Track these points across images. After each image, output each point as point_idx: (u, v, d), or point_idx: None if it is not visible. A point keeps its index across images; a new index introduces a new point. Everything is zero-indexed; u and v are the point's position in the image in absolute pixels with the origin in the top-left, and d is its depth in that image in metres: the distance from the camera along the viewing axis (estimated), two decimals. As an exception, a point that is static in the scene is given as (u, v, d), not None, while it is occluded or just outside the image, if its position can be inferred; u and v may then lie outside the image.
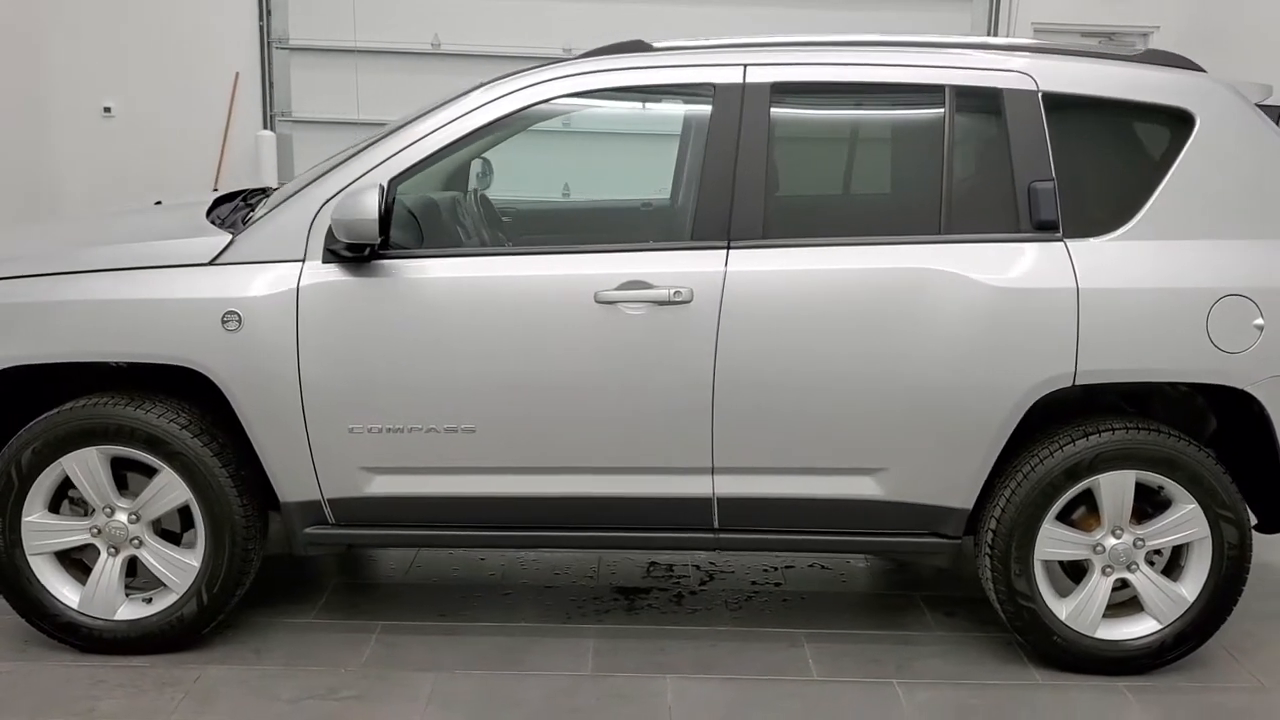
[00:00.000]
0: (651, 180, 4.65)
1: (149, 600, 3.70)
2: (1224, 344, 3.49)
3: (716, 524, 3.65)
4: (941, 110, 3.59)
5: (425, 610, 4.10)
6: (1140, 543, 3.64)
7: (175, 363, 3.50)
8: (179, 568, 3.65)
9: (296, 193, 3.62)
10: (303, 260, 3.51)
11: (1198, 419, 3.90)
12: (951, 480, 3.58)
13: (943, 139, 3.58)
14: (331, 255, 3.49)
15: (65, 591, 3.68)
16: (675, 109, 4.19)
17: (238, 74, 11.19)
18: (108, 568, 3.66)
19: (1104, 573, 3.67)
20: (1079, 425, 3.59)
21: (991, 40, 3.87)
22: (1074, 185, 3.57)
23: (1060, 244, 3.52)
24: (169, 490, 3.59)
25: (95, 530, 3.64)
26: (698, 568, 4.54)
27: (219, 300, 3.47)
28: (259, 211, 3.77)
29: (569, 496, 3.61)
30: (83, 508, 3.68)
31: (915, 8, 10.85)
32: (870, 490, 3.59)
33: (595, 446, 3.56)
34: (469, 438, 3.55)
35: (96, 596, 3.66)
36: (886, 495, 3.59)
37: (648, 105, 3.96)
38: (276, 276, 3.50)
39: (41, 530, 3.63)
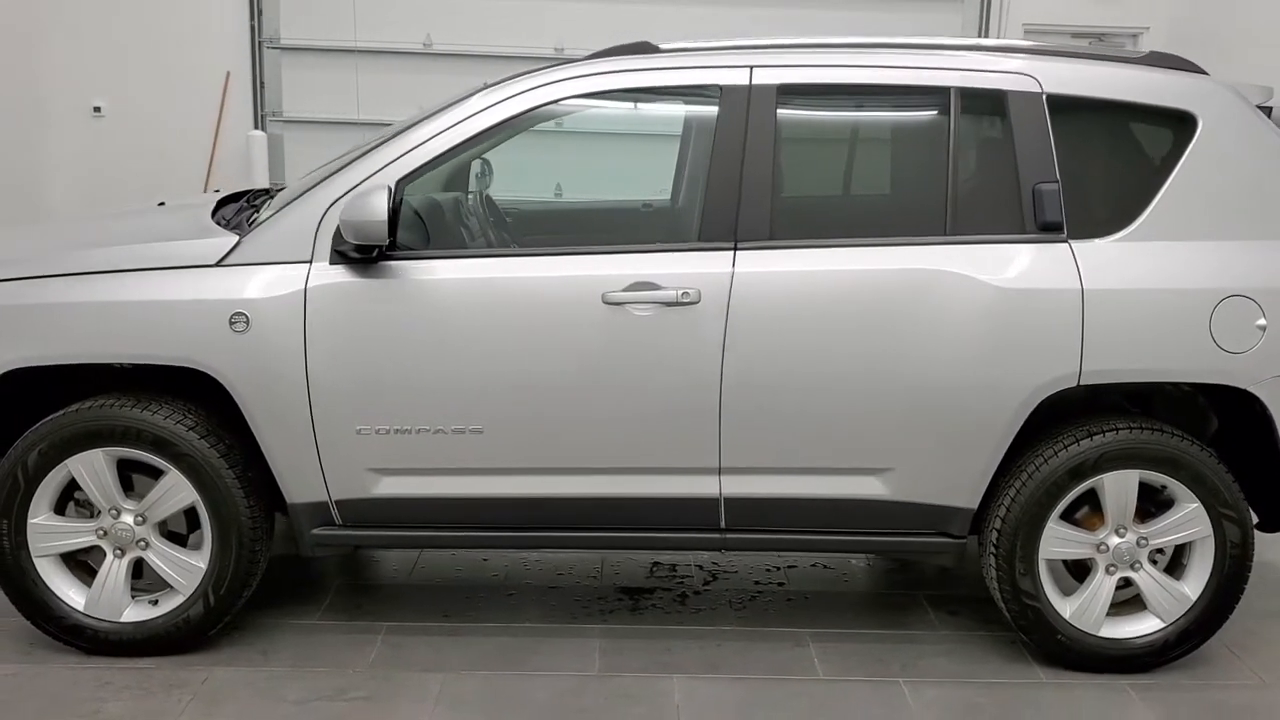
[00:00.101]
0: (657, 181, 4.66)
1: (155, 602, 3.70)
2: (1227, 344, 3.52)
3: (723, 524, 3.66)
4: (946, 112, 3.61)
5: (430, 611, 4.10)
6: (1143, 542, 3.67)
7: (183, 364, 3.49)
8: (185, 569, 3.64)
9: (303, 194, 3.62)
10: (310, 261, 3.51)
11: (1199, 418, 3.92)
12: (957, 480, 3.60)
13: (948, 141, 3.60)
14: (339, 256, 3.49)
15: (71, 594, 3.67)
16: (682, 110, 4.20)
17: (228, 73, 11.15)
18: (114, 570, 3.65)
19: (1108, 571, 3.69)
20: (1083, 425, 3.62)
21: (996, 42, 3.89)
22: (1078, 186, 3.59)
23: (1065, 245, 3.54)
24: (175, 492, 3.59)
25: (101, 532, 3.64)
26: (701, 568, 4.55)
27: (226, 302, 3.46)
28: (264, 212, 3.77)
29: (576, 497, 3.62)
30: (88, 509, 3.68)
31: (907, 8, 10.88)
32: (876, 490, 3.61)
33: (602, 447, 3.57)
34: (476, 439, 3.55)
35: (102, 598, 3.65)
36: (893, 495, 3.61)
37: (654, 106, 3.97)
38: (284, 278, 3.49)
39: (47, 532, 3.62)
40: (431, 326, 3.49)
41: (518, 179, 4.76)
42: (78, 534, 3.65)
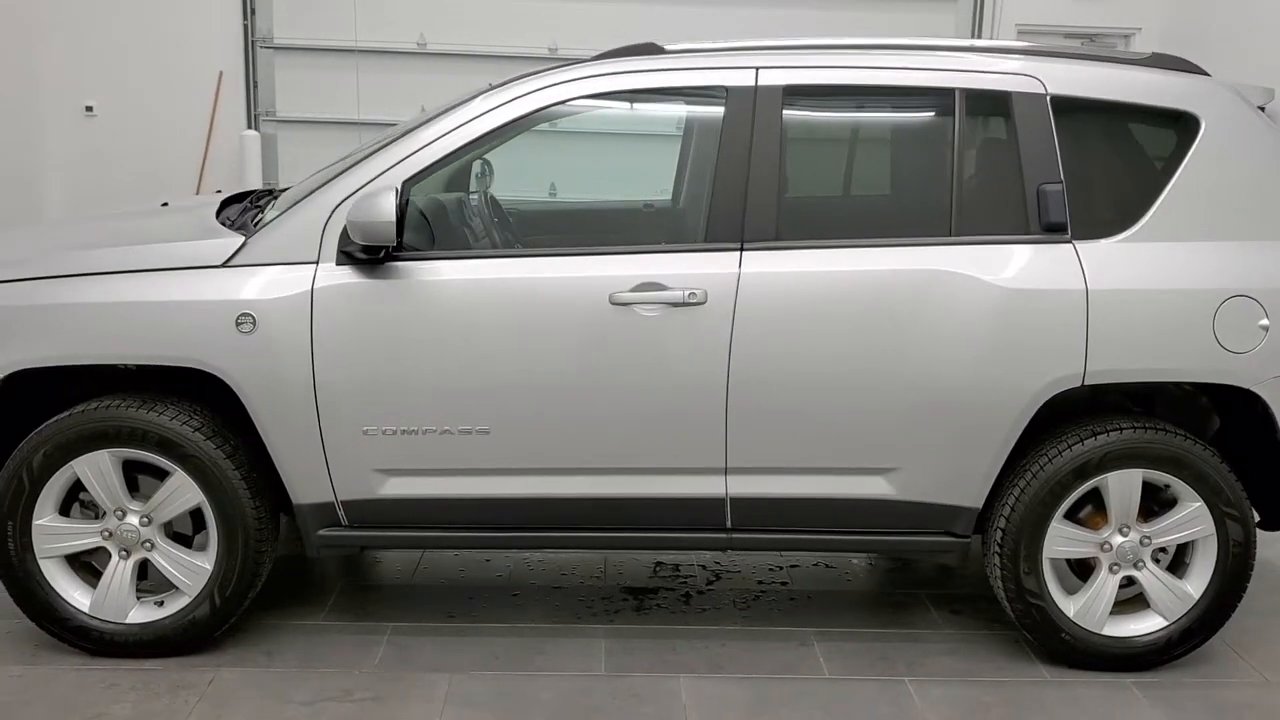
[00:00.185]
0: (664, 182, 4.67)
1: (160, 603, 3.69)
2: (1230, 344, 3.54)
3: (730, 524, 3.67)
4: (951, 113, 3.62)
5: (434, 611, 4.10)
6: (1147, 540, 3.69)
7: (189, 365, 3.49)
8: (191, 570, 3.64)
9: (309, 195, 3.62)
10: (316, 262, 3.51)
11: (1201, 418, 3.94)
12: (962, 479, 3.62)
13: (952, 142, 3.61)
14: (346, 257, 3.49)
15: (76, 595, 3.66)
16: (688, 111, 4.20)
17: (221, 73, 11.14)
18: (119, 571, 3.64)
19: (1111, 570, 3.71)
20: (1087, 425, 3.64)
21: (1000, 43, 3.90)
22: (1082, 187, 3.61)
23: (1069, 245, 3.56)
24: (181, 493, 3.58)
25: (106, 533, 3.63)
26: (704, 567, 4.56)
27: (233, 303, 3.46)
28: (270, 213, 3.77)
29: (582, 497, 3.63)
30: (94, 511, 3.67)
31: (899, 9, 10.93)
32: (882, 490, 3.62)
33: (609, 447, 3.57)
34: (483, 439, 3.55)
35: (108, 600, 3.64)
36: (898, 494, 3.62)
37: (661, 107, 3.97)
38: (290, 278, 3.49)
39: (52, 533, 3.61)
40: (438, 327, 3.49)
41: (522, 179, 4.76)
42: (83, 535, 3.64)
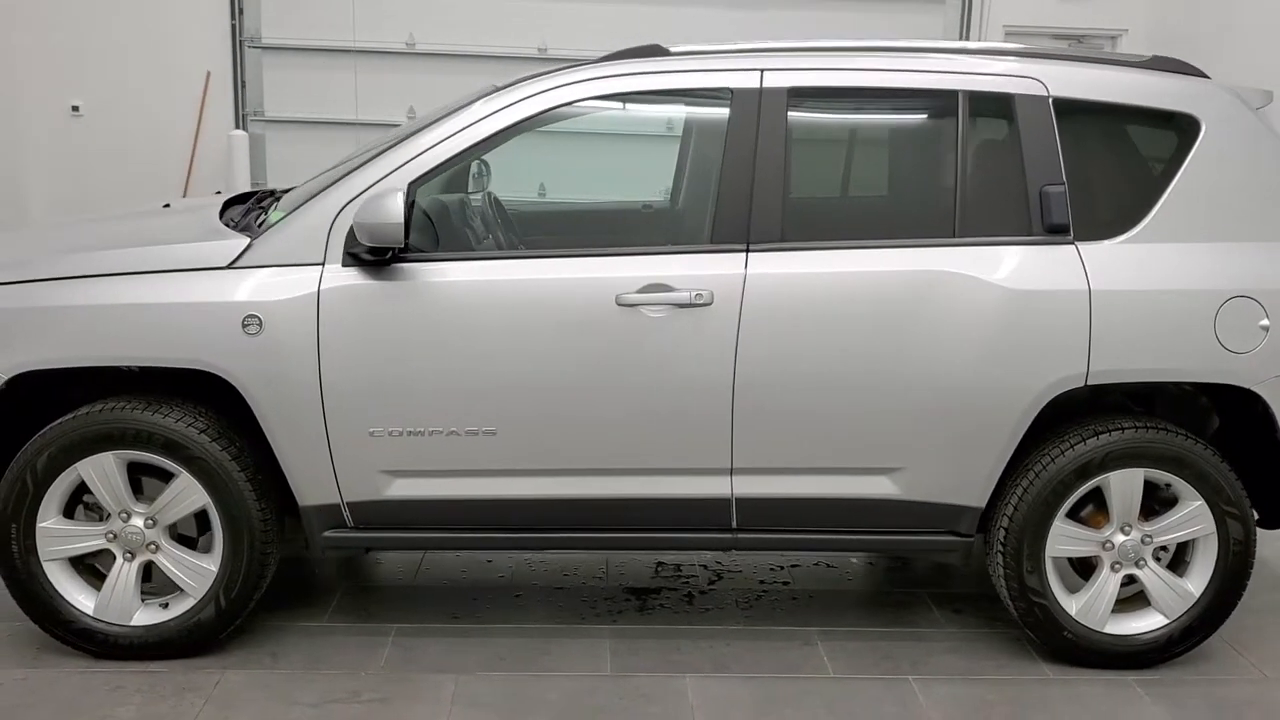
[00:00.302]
0: (655, 182, 4.68)
1: (165, 605, 3.68)
2: (1231, 344, 3.57)
3: (735, 524, 3.69)
4: (955, 115, 3.64)
5: (437, 612, 4.10)
6: (1148, 539, 3.72)
7: (195, 367, 3.48)
8: (197, 572, 3.63)
9: (314, 196, 3.61)
10: (322, 264, 3.51)
11: (1200, 417, 3.98)
12: (966, 479, 3.64)
13: (956, 143, 3.63)
14: (352, 259, 3.49)
15: (80, 598, 3.64)
16: (693, 112, 4.21)
17: (209, 73, 11.10)
18: (123, 573, 3.63)
19: (1113, 569, 3.74)
20: (1089, 424, 3.66)
21: (1002, 45, 3.93)
22: (1084, 189, 3.63)
23: (1071, 247, 3.58)
24: (187, 495, 3.57)
25: (111, 535, 3.62)
26: (705, 567, 4.58)
27: (239, 304, 3.45)
28: (273, 215, 3.76)
29: (588, 498, 3.63)
30: (98, 513, 3.65)
31: (888, 10, 10.97)
32: (887, 489, 3.64)
33: (615, 448, 3.58)
34: (490, 440, 3.56)
35: (112, 602, 3.63)
36: (903, 494, 3.64)
37: (665, 108, 3.98)
38: (297, 280, 3.49)
39: (56, 536, 3.60)
40: (444, 328, 3.50)
41: (511, 179, 4.75)
42: (87, 538, 3.63)
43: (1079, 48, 10.65)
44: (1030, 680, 3.73)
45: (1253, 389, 3.61)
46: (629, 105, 3.84)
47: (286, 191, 4.27)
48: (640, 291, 3.50)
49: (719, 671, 3.73)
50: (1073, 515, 3.72)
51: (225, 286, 3.49)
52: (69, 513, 3.64)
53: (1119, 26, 11.12)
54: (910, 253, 3.58)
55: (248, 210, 4.07)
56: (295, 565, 4.41)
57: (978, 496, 3.67)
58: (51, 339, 3.49)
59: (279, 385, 3.48)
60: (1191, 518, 3.69)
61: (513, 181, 4.91)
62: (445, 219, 3.85)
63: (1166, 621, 3.76)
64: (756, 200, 3.55)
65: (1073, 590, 3.78)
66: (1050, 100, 3.64)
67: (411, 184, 3.52)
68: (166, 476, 3.59)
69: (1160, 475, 3.66)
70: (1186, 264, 3.60)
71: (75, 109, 11.06)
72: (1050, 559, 3.70)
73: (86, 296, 3.49)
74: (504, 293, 3.52)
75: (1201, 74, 3.81)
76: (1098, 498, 3.72)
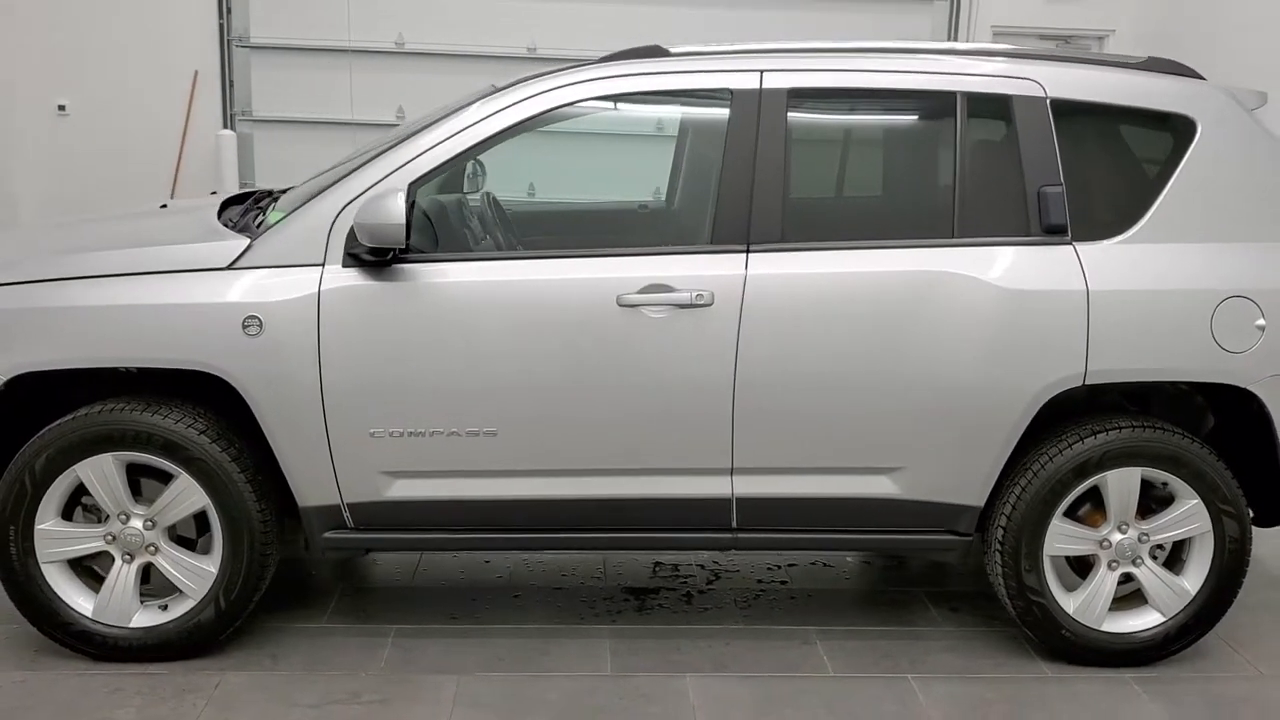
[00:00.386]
0: (647, 182, 4.68)
1: (164, 607, 3.67)
2: (1227, 344, 3.60)
3: (735, 524, 3.70)
4: (953, 116, 3.66)
5: (436, 613, 4.10)
6: (1145, 538, 3.75)
7: (196, 368, 3.47)
8: (196, 574, 3.62)
9: (314, 197, 3.61)
10: (322, 264, 3.50)
11: (1196, 416, 4.00)
12: (966, 478, 3.66)
13: (955, 144, 3.65)
14: (352, 259, 3.48)
15: (79, 600, 3.63)
16: (692, 112, 4.22)
17: (197, 72, 11.06)
18: (122, 575, 3.62)
19: (1110, 567, 3.76)
20: (1087, 424, 3.68)
21: (1001, 47, 3.95)
22: (1081, 189, 3.65)
23: (1069, 247, 3.60)
24: (186, 496, 3.56)
25: (110, 537, 3.60)
26: (702, 567, 4.58)
27: (240, 305, 3.45)
28: (272, 215, 3.75)
29: (589, 498, 3.64)
30: (96, 515, 3.64)
31: (876, 10, 10.99)
32: (887, 489, 3.66)
33: (616, 448, 3.59)
34: (491, 441, 3.56)
35: (111, 604, 3.62)
36: (903, 494, 3.66)
37: (664, 109, 3.98)
38: (297, 281, 3.48)
39: (55, 538, 3.58)
40: (445, 329, 3.49)
41: (514, 179, 4.74)
42: (86, 539, 3.61)
43: (1067, 48, 10.70)
44: (1028, 678, 3.75)
45: (1249, 388, 3.64)
46: (629, 106, 3.85)
47: (283, 192, 4.26)
48: (641, 292, 3.50)
49: (719, 671, 3.74)
50: (1070, 514, 3.74)
51: (225, 287, 3.48)
52: (67, 514, 3.62)
53: (1106, 27, 11.17)
54: (909, 253, 3.60)
55: (245, 211, 4.06)
56: (292, 566, 4.40)
57: (976, 496, 3.69)
58: (51, 340, 3.47)
59: (279, 386, 3.47)
60: (1188, 516, 3.72)
61: (504, 181, 4.91)
62: (445, 220, 3.85)
63: (1163, 619, 3.79)
64: (756, 201, 3.56)
65: (1070, 589, 3.81)
66: (1048, 101, 3.66)
67: (412, 184, 3.51)
68: (166, 478, 3.58)
69: (1157, 474, 3.69)
70: (1183, 264, 3.63)
71: (62, 108, 11.01)
72: (1048, 558, 3.72)
73: (86, 297, 3.47)
74: (505, 293, 3.52)
75: (1197, 75, 3.83)
76: (1095, 497, 3.74)
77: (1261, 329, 3.61)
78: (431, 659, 3.76)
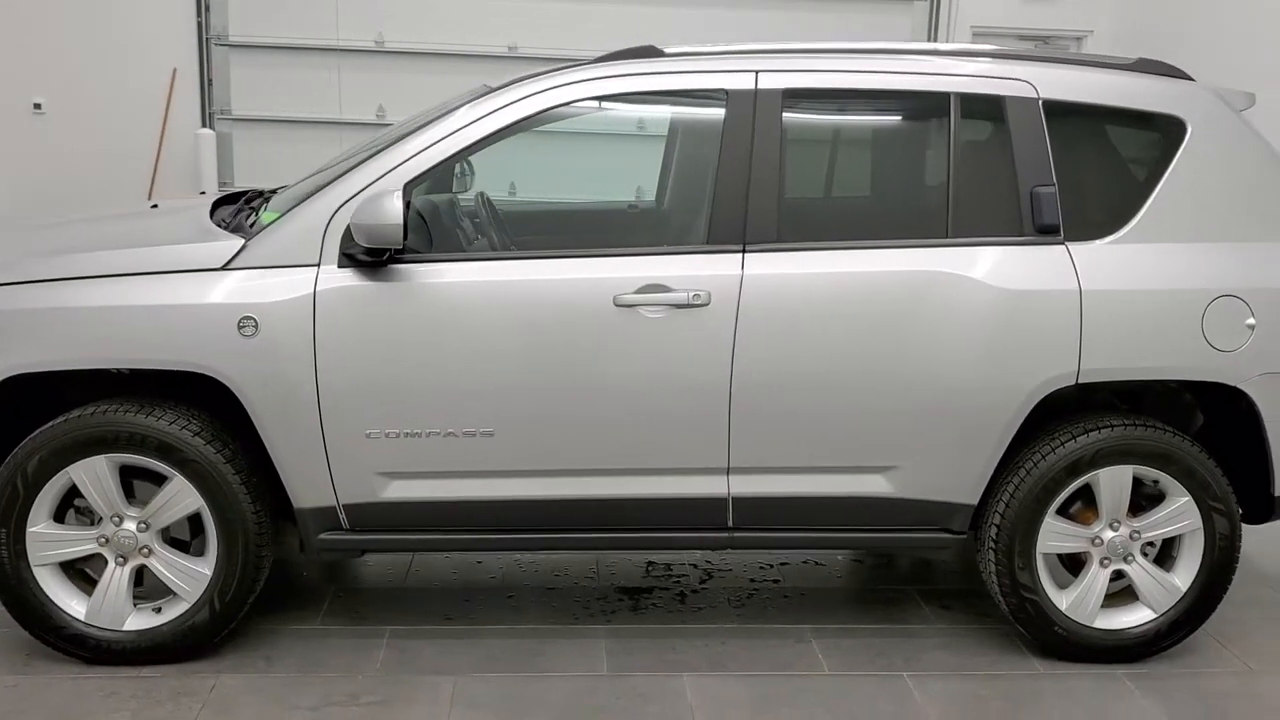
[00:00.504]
0: (637, 182, 4.68)
1: (158, 610, 3.64)
2: (1218, 343, 3.63)
3: (731, 523, 3.71)
4: (947, 117, 3.68)
5: (430, 614, 4.09)
6: (1136, 535, 3.78)
7: (190, 369, 3.45)
8: (190, 576, 3.60)
9: (309, 197, 3.59)
10: (318, 265, 3.49)
11: (1185, 414, 4.04)
12: (959, 477, 3.68)
13: (948, 145, 3.67)
14: (348, 260, 3.47)
15: (72, 603, 3.60)
16: (687, 113, 4.22)
17: (175, 70, 10.98)
18: (115, 577, 3.59)
19: (1102, 564, 3.79)
20: (1079, 422, 3.71)
21: (993, 48, 3.98)
22: (1073, 190, 3.68)
23: (1062, 247, 3.63)
24: (180, 498, 3.54)
25: (103, 540, 3.58)
26: (696, 566, 4.59)
27: (235, 306, 3.43)
28: (265, 216, 3.74)
29: (586, 499, 3.64)
30: (89, 517, 3.62)
31: (857, 10, 11.03)
32: (881, 488, 3.68)
33: (613, 448, 3.59)
34: (487, 441, 3.56)
35: (104, 607, 3.59)
36: (897, 492, 3.68)
37: (660, 109, 3.99)
38: (292, 281, 3.47)
39: (47, 541, 3.56)
40: (442, 329, 3.49)
41: (500, 179, 4.72)
42: (79, 542, 3.59)
43: (1049, 49, 10.77)
44: (1021, 675, 3.78)
45: (1239, 386, 3.68)
46: (624, 105, 3.85)
47: (275, 192, 4.24)
48: (638, 292, 3.51)
49: (715, 670, 3.75)
50: (1062, 512, 3.77)
51: (220, 288, 3.46)
52: (60, 517, 3.59)
53: (1085, 28, 11.25)
54: (903, 253, 3.62)
55: (238, 211, 4.04)
56: (283, 568, 4.37)
57: (970, 494, 3.71)
58: (44, 341, 3.44)
59: (275, 387, 3.46)
60: (1179, 513, 3.75)
61: (484, 180, 4.89)
62: (439, 220, 3.84)
63: (1154, 616, 3.82)
64: (752, 201, 3.57)
65: (1062, 586, 3.83)
66: (1040, 102, 3.69)
67: (407, 185, 3.51)
68: (159, 480, 3.55)
69: (1148, 472, 3.72)
70: (1174, 264, 3.66)
71: (38, 106, 10.91)
72: (1041, 555, 3.75)
73: (80, 298, 3.45)
74: (501, 293, 3.52)
75: (1187, 77, 3.87)
76: (1087, 495, 3.77)
77: (1252, 328, 3.65)
78: (427, 660, 3.75)
